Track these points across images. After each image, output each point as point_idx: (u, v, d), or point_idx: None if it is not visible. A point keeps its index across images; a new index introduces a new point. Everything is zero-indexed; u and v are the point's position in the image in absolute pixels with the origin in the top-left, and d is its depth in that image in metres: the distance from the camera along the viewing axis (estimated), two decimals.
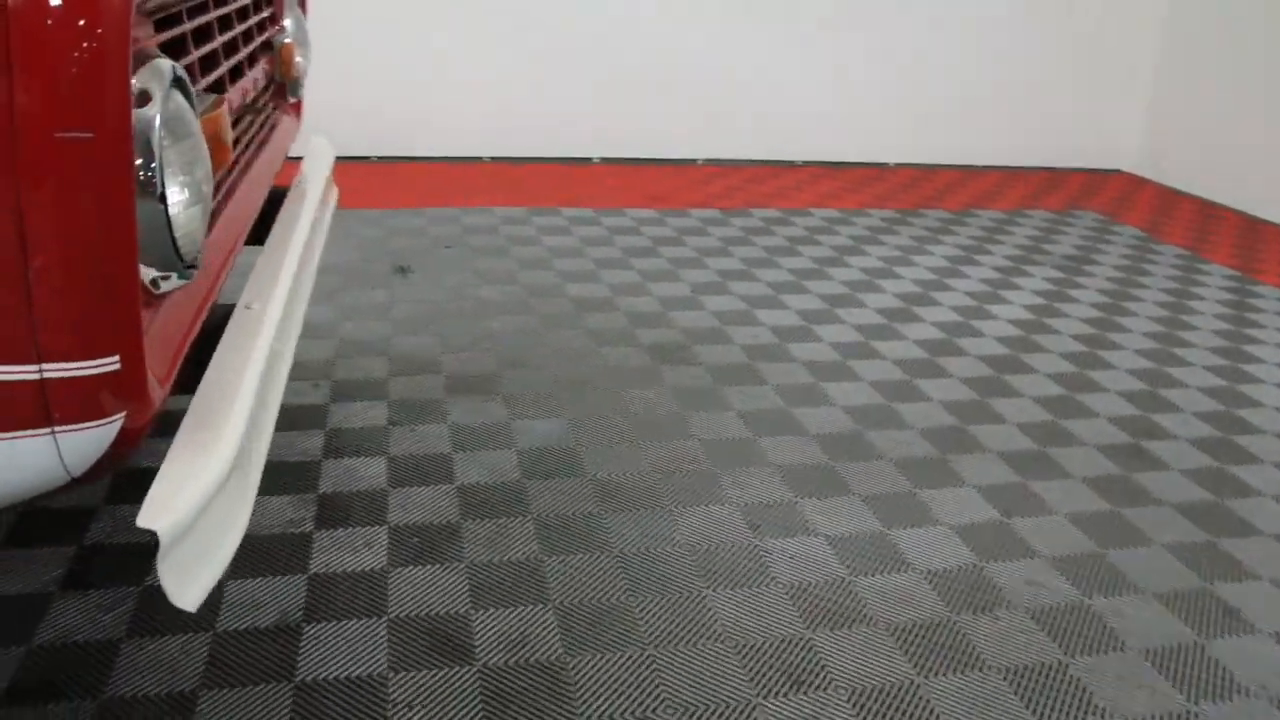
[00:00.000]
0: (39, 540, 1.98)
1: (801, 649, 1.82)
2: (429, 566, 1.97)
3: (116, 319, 0.84)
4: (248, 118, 1.56)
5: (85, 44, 0.75)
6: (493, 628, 1.81)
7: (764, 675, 1.75)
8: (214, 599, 1.85)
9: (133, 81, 0.88)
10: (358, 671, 1.69)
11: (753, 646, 1.82)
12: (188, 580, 0.90)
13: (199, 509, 0.90)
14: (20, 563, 1.92)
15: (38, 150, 0.75)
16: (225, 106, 1.17)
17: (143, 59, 0.92)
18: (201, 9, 1.21)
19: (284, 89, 1.96)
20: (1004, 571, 2.09)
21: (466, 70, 5.28)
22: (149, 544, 2.00)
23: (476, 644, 1.77)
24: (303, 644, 1.74)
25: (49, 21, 0.74)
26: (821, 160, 5.83)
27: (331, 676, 1.67)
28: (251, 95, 1.56)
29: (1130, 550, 2.21)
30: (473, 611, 1.85)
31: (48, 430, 0.85)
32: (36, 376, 0.83)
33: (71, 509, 2.07)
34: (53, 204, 0.77)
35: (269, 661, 1.70)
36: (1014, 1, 5.71)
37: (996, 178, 5.86)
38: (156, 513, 0.85)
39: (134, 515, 2.09)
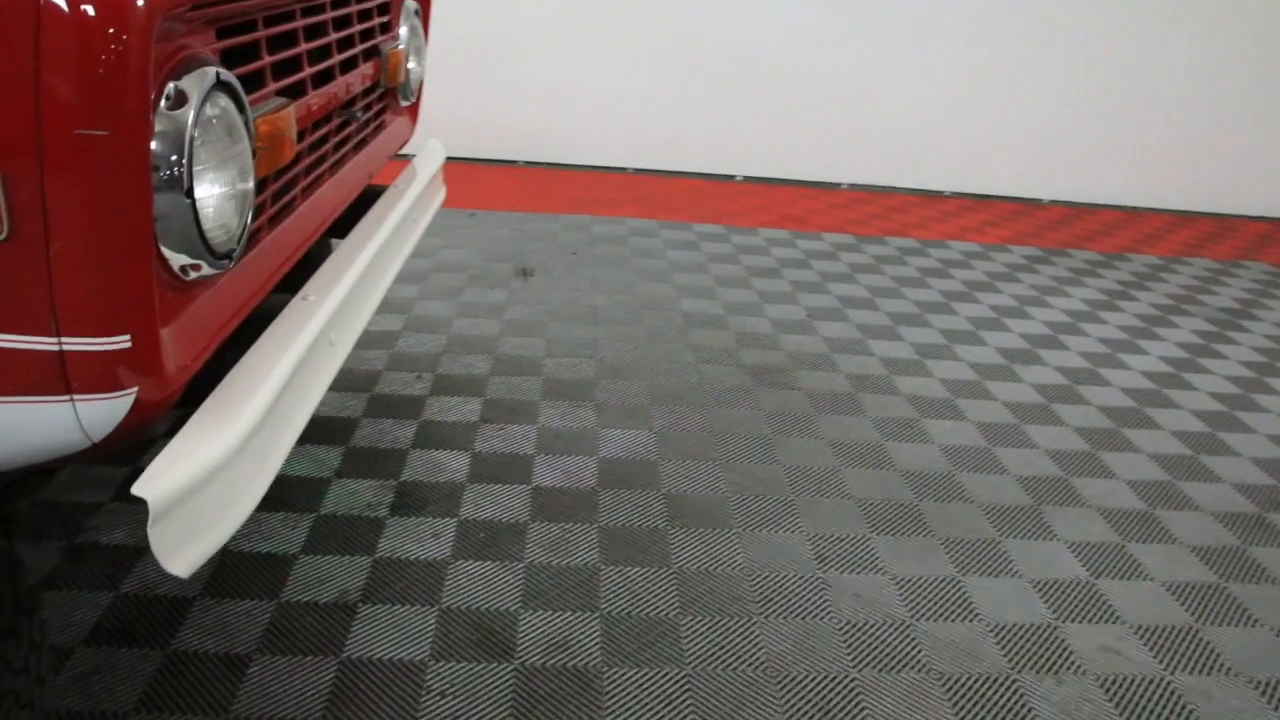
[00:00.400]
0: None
1: (843, 688, 1.78)
2: (489, 563, 2.02)
3: (128, 302, 0.91)
4: (340, 120, 1.65)
5: (108, 51, 0.83)
6: (538, 629, 1.85)
7: (798, 709, 1.71)
8: (282, 570, 1.95)
9: (171, 85, 0.96)
10: (401, 655, 1.75)
11: (793, 679, 1.79)
12: (180, 548, 0.96)
13: (196, 483, 0.97)
14: (125, 516, 2.09)
15: (59, 144, 0.83)
16: (290, 110, 1.25)
17: (192, 64, 1.00)
18: (281, 19, 1.30)
19: (394, 93, 2.06)
20: (1080, 634, 1.98)
21: (613, 81, 5.38)
22: None
23: (519, 643, 1.81)
24: (355, 623, 1.83)
25: (78, 28, 0.82)
26: (970, 192, 5.65)
27: (375, 657, 1.75)
28: (346, 99, 1.65)
29: (1231, 629, 2.05)
30: (522, 611, 1.89)
31: (67, 398, 0.94)
32: (56, 348, 0.91)
33: None
34: (71, 194, 0.85)
35: (321, 635, 1.79)
36: (1192, 34, 5.38)
37: (1160, 221, 5.53)
38: (149, 482, 0.92)
39: None
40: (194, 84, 0.98)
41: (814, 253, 4.32)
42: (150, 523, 0.92)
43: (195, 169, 0.99)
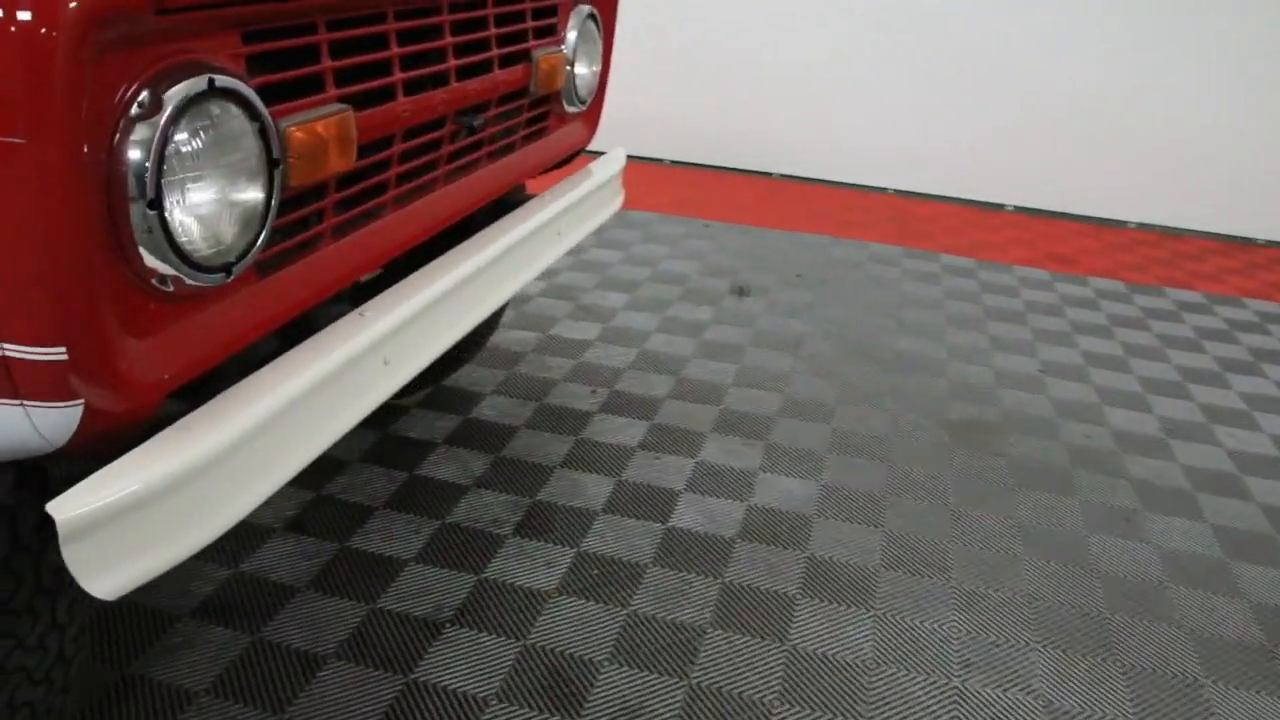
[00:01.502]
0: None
1: None
2: (591, 604, 1.91)
3: (63, 314, 0.88)
4: (460, 127, 1.60)
5: (26, 62, 0.79)
6: (616, 687, 1.71)
7: None
8: (389, 575, 1.95)
9: (145, 93, 0.92)
10: (467, 687, 1.68)
11: None
12: (105, 569, 0.93)
13: (128, 506, 0.93)
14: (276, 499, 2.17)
15: None
16: (341, 118, 1.19)
17: (181, 71, 0.95)
18: (345, 24, 1.24)
19: (557, 99, 1.99)
20: None
21: (875, 94, 5.08)
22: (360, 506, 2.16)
23: (590, 699, 1.69)
24: (436, 643, 1.78)
25: (3, 22, 0.79)
26: None
27: (442, 683, 1.69)
28: (467, 106, 1.59)
29: None
30: (607, 663, 1.76)
31: (18, 402, 0.92)
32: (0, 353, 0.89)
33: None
34: (1, 201, 0.83)
35: (398, 650, 1.75)
36: None
37: None
38: (65, 501, 0.89)
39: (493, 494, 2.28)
40: (177, 92, 0.94)
41: (1072, 298, 3.84)
42: (61, 542, 0.88)
43: (167, 179, 0.94)
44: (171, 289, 1.00)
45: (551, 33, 1.92)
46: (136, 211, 0.92)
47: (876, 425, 2.70)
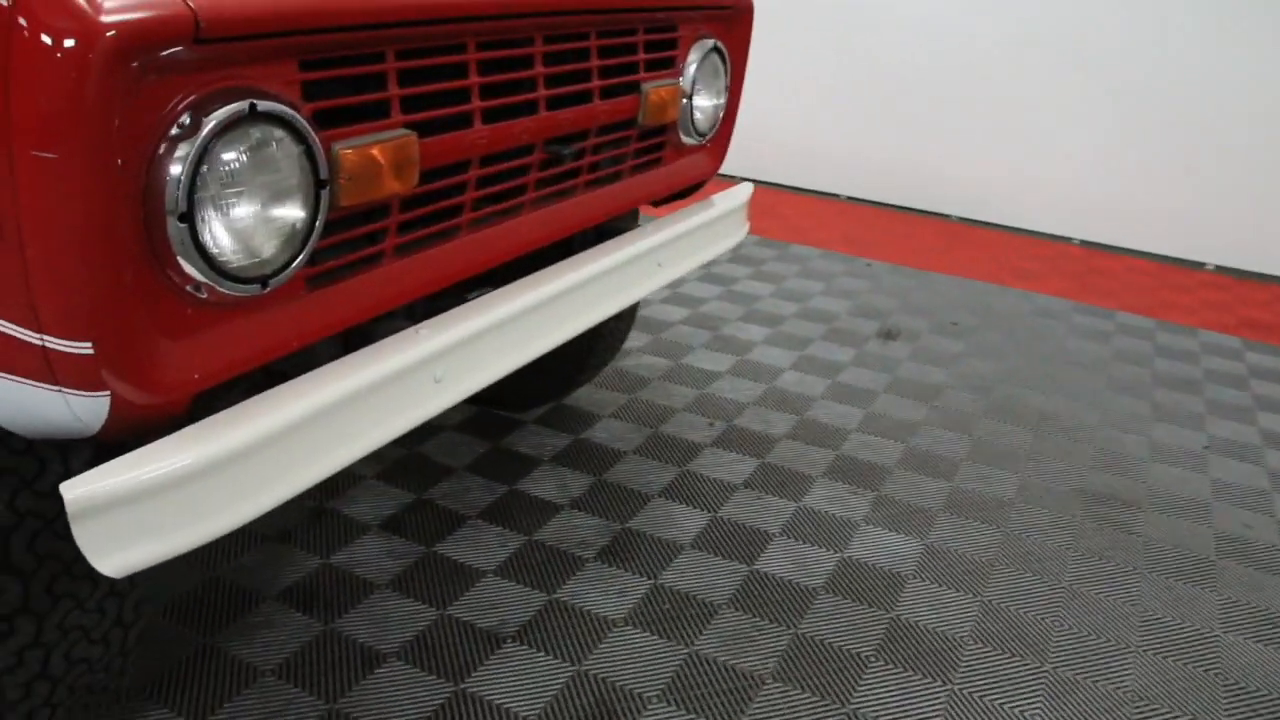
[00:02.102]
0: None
1: None
2: (655, 638, 1.90)
3: (90, 313, 0.97)
4: (550, 156, 1.63)
5: (63, 84, 0.88)
6: None
7: None
8: (465, 584, 2.00)
9: (187, 115, 1.00)
10: (512, 704, 1.70)
11: None
12: (115, 546, 1.01)
13: (141, 493, 1.00)
14: (365, 490, 2.28)
15: (23, 161, 0.90)
16: (400, 143, 1.24)
17: (225, 96, 1.03)
18: (416, 54, 1.30)
19: (673, 130, 2.00)
20: None
21: (1067, 144, 4.80)
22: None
23: None
24: (492, 657, 1.81)
25: (38, 57, 0.88)
26: None
27: (489, 697, 1.72)
28: (557, 135, 1.62)
29: None
30: (656, 701, 1.75)
31: (57, 388, 1.02)
32: (40, 343, 0.99)
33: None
34: (37, 207, 0.92)
35: (455, 658, 1.80)
36: None
37: None
38: (77, 483, 0.97)
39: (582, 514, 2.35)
40: (216, 115, 1.01)
41: (1262, 370, 3.49)
42: (71, 518, 0.96)
43: (201, 194, 1.02)
44: (205, 296, 1.08)
45: (668, 65, 1.93)
46: (171, 224, 1.00)
47: (1001, 488, 2.55)
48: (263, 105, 1.05)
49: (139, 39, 0.91)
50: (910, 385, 3.12)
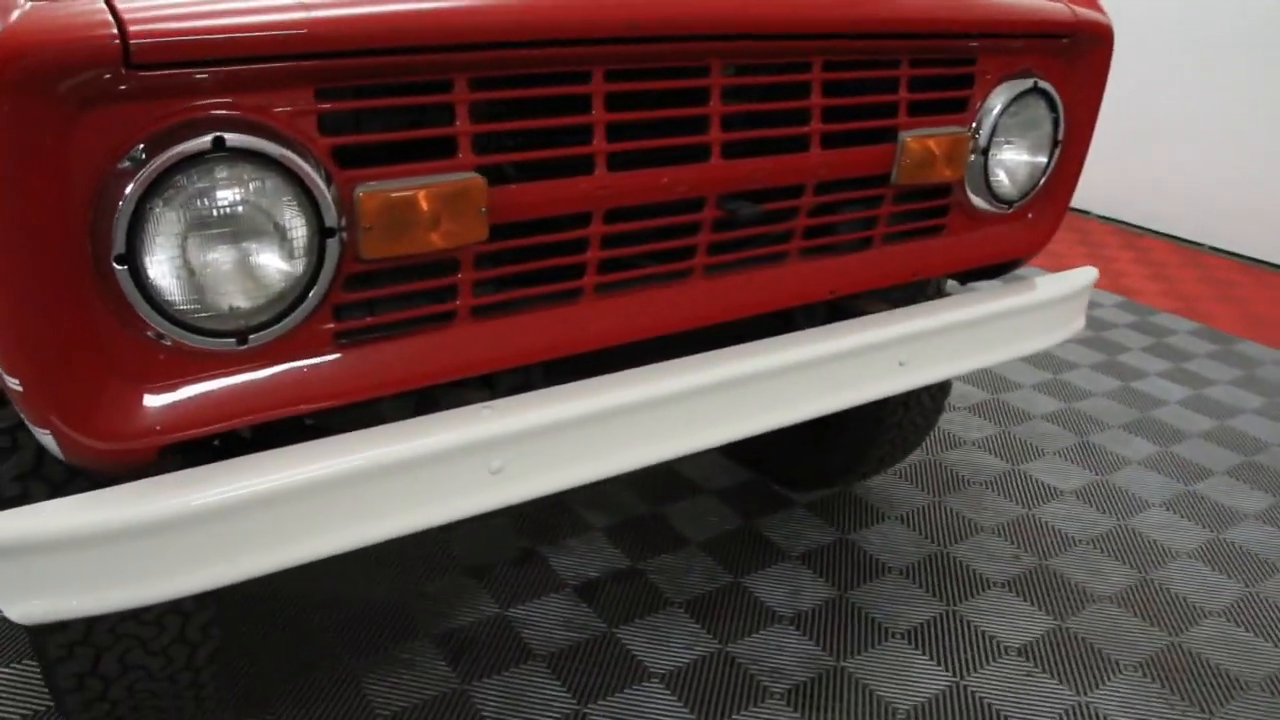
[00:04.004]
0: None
1: None
2: None
3: (12, 349, 0.90)
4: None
5: None
6: None
7: None
8: (620, 681, 1.76)
9: (140, 147, 0.89)
10: None
11: None
12: (17, 594, 0.94)
13: (52, 543, 0.93)
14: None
15: None
16: (446, 188, 1.04)
17: (194, 128, 0.91)
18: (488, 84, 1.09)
19: (960, 191, 1.57)
20: None
21: None
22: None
23: None
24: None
25: None
26: None
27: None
28: (708, 190, 1.31)
29: None
30: None
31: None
32: None
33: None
34: None
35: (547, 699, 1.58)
36: None
37: None
38: None
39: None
40: (174, 150, 0.90)
41: None
42: None
43: (150, 236, 0.91)
44: (170, 344, 0.97)
45: (953, 108, 1.52)
46: (119, 268, 0.91)
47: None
48: (234, 140, 0.92)
49: (49, 66, 0.82)
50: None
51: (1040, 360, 3.26)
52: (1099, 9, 1.63)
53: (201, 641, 1.38)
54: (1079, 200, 4.20)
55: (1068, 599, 2.08)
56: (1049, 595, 2.09)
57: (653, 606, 1.98)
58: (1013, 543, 2.27)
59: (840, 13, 1.30)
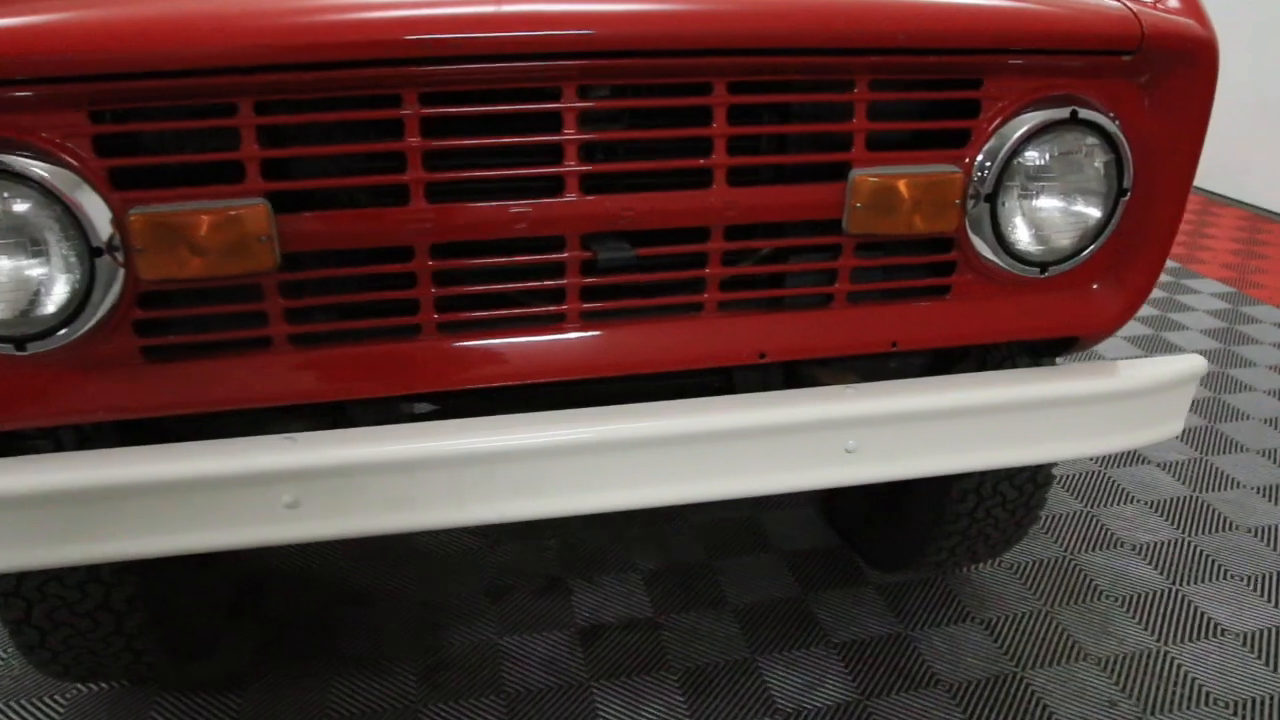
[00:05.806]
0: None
1: None
2: None
3: None
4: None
5: None
6: None
7: None
8: (540, 655, 1.67)
9: None
10: None
11: None
12: None
13: None
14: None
15: None
16: (224, 215, 1.00)
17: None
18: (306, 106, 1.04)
19: (964, 248, 1.30)
20: None
21: None
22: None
23: None
24: None
25: None
26: None
27: None
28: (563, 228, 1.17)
29: None
30: None
31: None
32: None
33: None
34: None
35: None
36: None
37: None
38: None
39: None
40: None
41: None
42: None
43: None
44: (26, 351, 1.05)
45: (952, 142, 1.26)
46: None
47: None
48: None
49: None
50: None
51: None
52: (1195, 12, 1.26)
53: (126, 612, 1.48)
54: None
55: None
56: None
57: (647, 668, 1.85)
58: (1118, 684, 1.86)
59: (741, 26, 1.11)
